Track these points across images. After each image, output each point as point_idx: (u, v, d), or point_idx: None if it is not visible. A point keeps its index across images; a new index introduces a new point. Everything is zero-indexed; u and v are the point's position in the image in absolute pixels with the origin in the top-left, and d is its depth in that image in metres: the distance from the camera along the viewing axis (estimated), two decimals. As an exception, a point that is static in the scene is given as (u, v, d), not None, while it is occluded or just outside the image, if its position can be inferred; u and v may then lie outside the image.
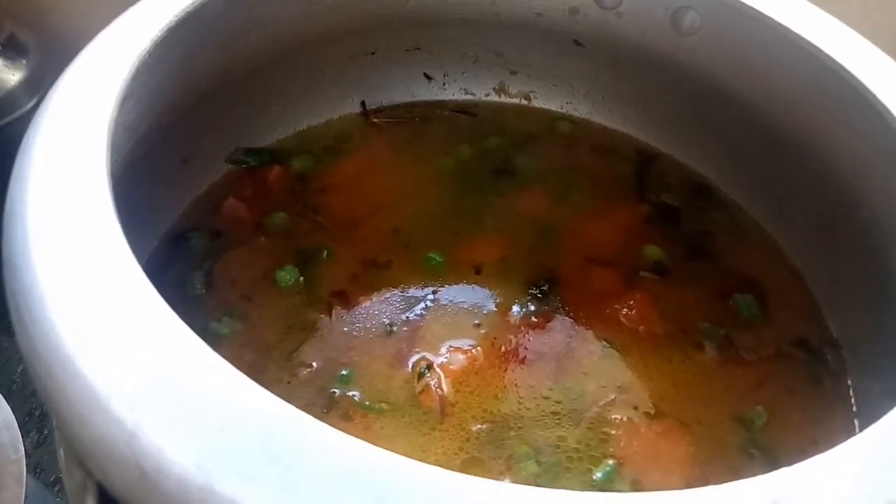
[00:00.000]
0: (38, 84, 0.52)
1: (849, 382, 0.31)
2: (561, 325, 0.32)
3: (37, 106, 0.53)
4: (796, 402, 0.30)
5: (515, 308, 0.33)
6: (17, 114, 0.51)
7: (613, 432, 0.29)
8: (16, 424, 0.36)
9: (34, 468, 0.45)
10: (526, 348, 0.31)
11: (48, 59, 0.53)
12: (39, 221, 0.18)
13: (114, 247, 0.18)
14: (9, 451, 0.35)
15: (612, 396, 0.30)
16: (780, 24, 0.30)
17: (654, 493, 0.14)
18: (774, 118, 0.34)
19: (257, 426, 0.14)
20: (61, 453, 0.18)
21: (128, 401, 0.14)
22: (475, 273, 0.34)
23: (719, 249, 0.36)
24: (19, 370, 0.50)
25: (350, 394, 0.29)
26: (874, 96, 0.27)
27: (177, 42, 0.26)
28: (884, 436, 0.16)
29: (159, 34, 0.25)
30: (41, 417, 0.48)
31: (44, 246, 0.17)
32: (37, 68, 0.52)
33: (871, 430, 0.16)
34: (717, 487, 0.14)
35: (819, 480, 0.15)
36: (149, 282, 0.17)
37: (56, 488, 0.46)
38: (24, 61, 0.52)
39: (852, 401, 0.31)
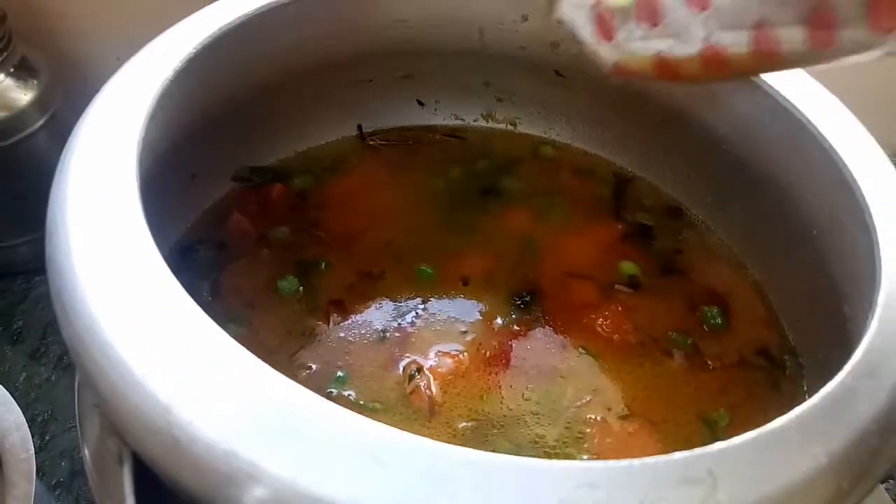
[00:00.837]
0: (48, 103, 0.54)
1: (805, 387, 0.34)
2: (541, 333, 0.35)
3: (47, 124, 0.56)
4: (757, 405, 0.33)
5: (499, 317, 0.35)
6: (27, 132, 0.53)
7: (588, 430, 0.31)
8: (26, 425, 0.38)
9: (36, 472, 0.46)
10: (509, 354, 0.33)
11: (57, 79, 0.55)
12: (78, 229, 0.20)
13: (144, 251, 0.20)
14: (19, 451, 0.37)
15: (588, 398, 0.32)
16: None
17: (603, 461, 0.17)
18: (737, 148, 0.37)
19: (273, 402, 0.17)
20: (90, 432, 0.20)
21: (162, 380, 0.17)
22: (463, 284, 0.36)
23: (688, 265, 0.39)
24: (22, 378, 0.52)
25: (346, 394, 0.31)
26: (819, 132, 0.30)
27: (195, 70, 0.29)
28: (809, 415, 0.19)
29: (180, 63, 0.27)
30: (43, 423, 0.50)
31: (83, 250, 0.20)
32: (47, 88, 0.54)
33: (799, 409, 0.19)
34: (657, 458, 0.17)
35: (748, 452, 0.17)
36: (175, 280, 0.19)
37: (57, 492, 0.47)
38: (34, 82, 0.54)
39: (807, 403, 0.33)
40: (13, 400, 0.39)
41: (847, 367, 0.20)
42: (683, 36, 0.23)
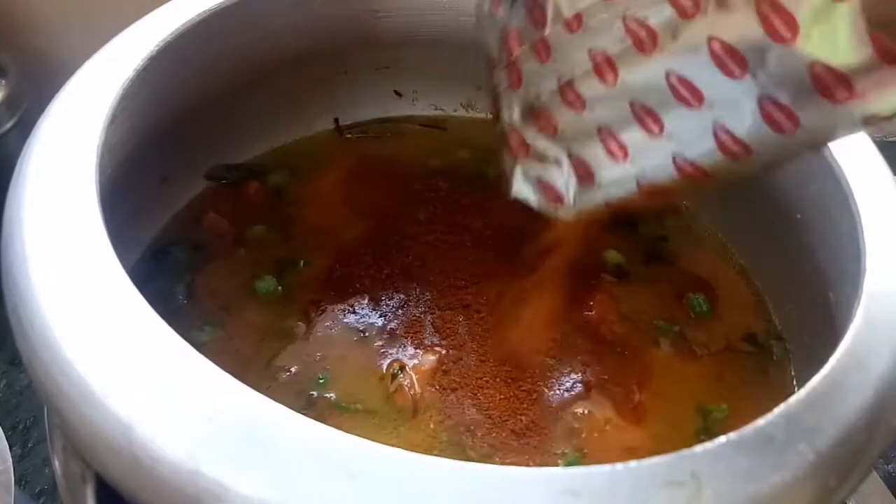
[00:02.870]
0: (18, 104, 0.53)
1: (792, 372, 0.34)
2: (526, 325, 0.34)
3: (17, 125, 0.54)
4: (746, 391, 0.33)
5: (483, 311, 0.34)
6: (-3, 133, 0.52)
7: (576, 425, 0.31)
8: (2, 436, 0.37)
9: (19, 480, 0.45)
10: (493, 348, 0.33)
11: (27, 80, 0.54)
12: (35, 239, 0.20)
13: (104, 262, 0.19)
14: (-3, 462, 0.36)
15: (576, 391, 0.32)
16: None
17: (585, 467, 0.16)
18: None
19: (240, 417, 0.16)
20: (58, 449, 0.19)
21: (122, 398, 0.16)
22: (446, 279, 0.36)
23: (674, 253, 0.38)
24: (2, 385, 0.51)
25: (327, 395, 0.31)
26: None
27: (157, 69, 0.28)
28: (795, 411, 0.18)
29: (141, 62, 0.26)
30: (24, 431, 0.49)
31: (40, 262, 0.19)
32: (16, 88, 0.53)
33: (784, 406, 0.18)
34: (640, 462, 0.16)
35: (732, 452, 0.17)
36: (137, 291, 0.19)
37: (41, 500, 0.46)
38: (3, 82, 0.53)
39: (795, 388, 0.33)
40: (-10, 411, 0.38)
41: (833, 359, 0.20)
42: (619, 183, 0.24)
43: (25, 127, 0.53)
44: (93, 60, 0.27)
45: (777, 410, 0.18)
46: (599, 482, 0.16)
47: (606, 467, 0.16)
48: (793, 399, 0.19)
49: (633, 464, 0.16)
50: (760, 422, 0.18)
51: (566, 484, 0.16)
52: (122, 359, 0.17)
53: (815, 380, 0.19)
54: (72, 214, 0.20)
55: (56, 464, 0.22)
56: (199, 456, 0.15)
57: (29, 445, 0.48)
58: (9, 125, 0.53)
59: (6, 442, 0.37)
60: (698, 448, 0.17)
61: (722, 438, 0.17)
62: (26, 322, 0.18)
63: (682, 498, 0.16)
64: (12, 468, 0.36)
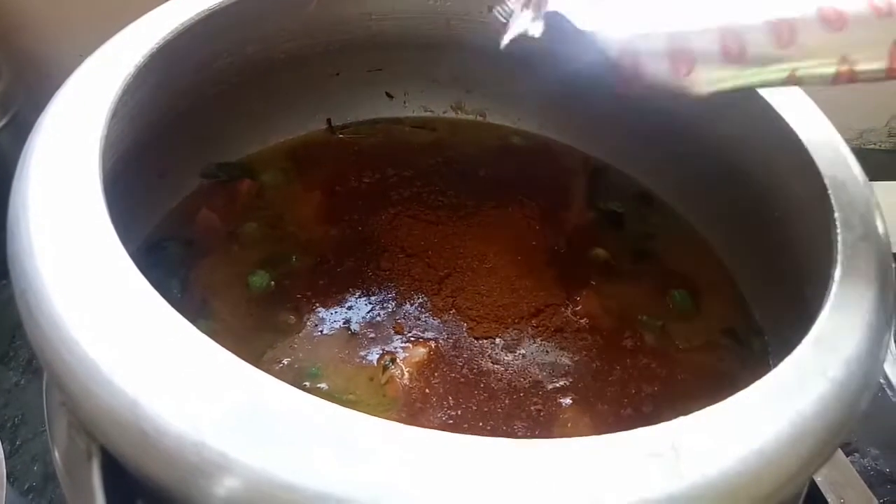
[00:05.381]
0: (10, 103, 0.53)
1: (771, 365, 0.35)
2: (514, 320, 0.35)
3: (8, 125, 0.55)
4: (724, 383, 0.34)
5: (473, 306, 0.35)
6: (-11, 131, 0.53)
7: (562, 415, 0.32)
8: (-5, 429, 0.37)
9: (7, 477, 0.45)
10: (484, 341, 0.34)
11: (19, 79, 0.54)
12: (41, 227, 0.20)
13: (108, 247, 0.20)
14: (-11, 457, 0.36)
15: (561, 383, 0.33)
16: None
17: (571, 438, 0.17)
18: (704, 136, 0.37)
19: (242, 392, 0.17)
20: (60, 430, 0.20)
21: (129, 375, 0.17)
22: (436, 272, 0.36)
23: (658, 250, 0.39)
24: (-9, 383, 0.51)
25: (320, 386, 0.31)
26: (781, 118, 0.31)
27: (156, 67, 0.28)
28: (769, 387, 0.19)
29: (142, 59, 0.27)
30: (12, 429, 0.49)
31: (46, 249, 0.20)
32: (8, 88, 0.53)
33: (759, 383, 0.19)
34: (621, 434, 0.17)
35: (709, 425, 0.18)
36: (140, 275, 0.19)
37: (30, 496, 0.46)
38: (-5, 81, 0.53)
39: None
40: (-19, 405, 0.38)
41: (806, 341, 0.21)
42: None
43: (18, 126, 0.54)
44: (94, 57, 0.27)
45: (753, 386, 0.19)
46: (585, 452, 0.17)
47: (590, 439, 0.17)
48: (767, 377, 0.20)
49: (615, 436, 0.17)
50: (737, 396, 0.19)
51: (555, 453, 0.17)
52: (128, 338, 0.18)
53: (789, 360, 0.20)
54: (76, 203, 0.21)
55: (55, 450, 0.22)
56: (203, 428, 0.16)
57: (17, 443, 0.48)
58: (1, 123, 0.54)
59: (8, 433, 0.37)
60: (677, 421, 0.18)
61: (700, 412, 0.18)
62: (34, 305, 0.18)
63: (662, 467, 0.17)
64: (4, 462, 0.36)
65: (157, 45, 0.28)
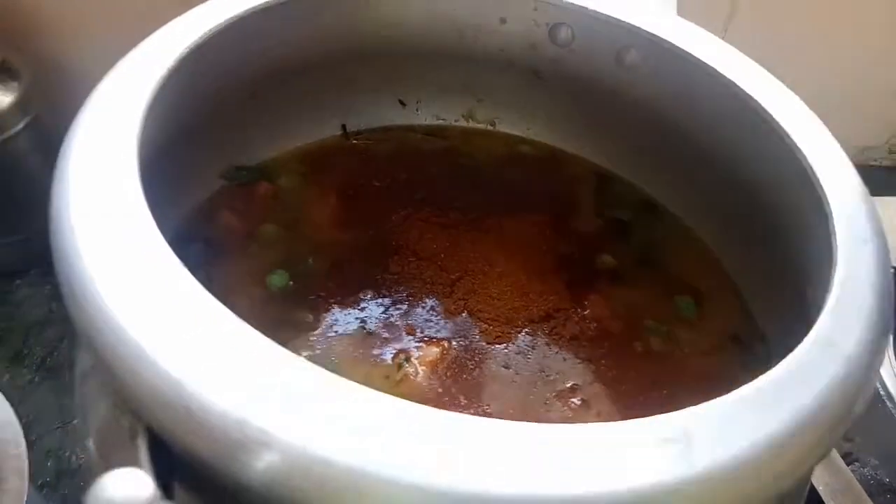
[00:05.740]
0: (29, 106, 0.54)
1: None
2: (524, 324, 0.36)
3: (27, 127, 0.56)
4: (728, 387, 0.35)
5: (484, 308, 0.36)
6: (7, 134, 0.54)
7: (570, 414, 0.33)
8: (17, 421, 0.38)
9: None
10: (495, 341, 0.35)
11: (39, 82, 0.56)
12: (83, 223, 0.21)
13: (149, 238, 0.21)
14: (10, 447, 0.37)
15: (570, 384, 0.34)
16: (703, 63, 0.35)
17: (585, 424, 0.18)
18: (708, 147, 0.39)
19: (280, 372, 0.18)
20: (98, 413, 0.21)
21: (173, 357, 0.18)
22: (448, 275, 0.37)
23: (663, 257, 0.40)
24: (4, 380, 0.52)
25: (337, 382, 0.32)
26: (784, 131, 0.32)
27: (186, 71, 0.30)
28: (778, 379, 0.20)
29: (174, 62, 0.28)
30: (27, 426, 0.49)
31: (89, 240, 0.21)
32: (27, 91, 0.55)
33: (768, 375, 0.20)
34: (635, 420, 0.18)
35: (721, 413, 0.19)
36: (181, 264, 0.20)
37: (43, 492, 0.47)
38: (15, 84, 0.55)
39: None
40: (3, 397, 0.39)
41: (808, 339, 0.22)
42: None
43: (35, 129, 0.55)
44: (126, 61, 0.28)
45: (760, 379, 0.20)
46: (600, 437, 0.18)
47: (605, 424, 0.18)
48: (774, 369, 0.21)
49: (629, 422, 0.18)
50: (745, 388, 0.20)
51: (571, 437, 0.18)
52: (171, 323, 0.19)
53: (794, 355, 0.21)
54: (116, 196, 0.22)
55: (91, 434, 0.23)
56: (245, 406, 0.17)
57: (32, 439, 0.49)
58: (19, 127, 0.55)
59: (20, 428, 0.38)
60: (689, 409, 0.19)
61: (710, 402, 0.19)
62: (79, 292, 0.20)
63: (674, 452, 0.18)
64: (26, 453, 0.37)
65: (187, 50, 0.29)
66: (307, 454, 0.17)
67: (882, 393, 0.51)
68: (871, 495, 0.44)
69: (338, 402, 0.17)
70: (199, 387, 0.17)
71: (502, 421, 0.18)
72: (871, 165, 0.75)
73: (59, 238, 0.21)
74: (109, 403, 0.19)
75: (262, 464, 0.17)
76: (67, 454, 0.48)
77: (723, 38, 0.37)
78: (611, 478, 0.18)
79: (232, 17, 0.33)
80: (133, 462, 0.17)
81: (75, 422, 0.49)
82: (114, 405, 0.19)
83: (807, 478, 0.28)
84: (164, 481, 0.17)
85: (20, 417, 0.50)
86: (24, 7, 0.57)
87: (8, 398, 0.51)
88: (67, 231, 0.21)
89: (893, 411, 0.51)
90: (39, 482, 0.47)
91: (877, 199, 0.32)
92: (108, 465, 0.20)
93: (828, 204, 0.28)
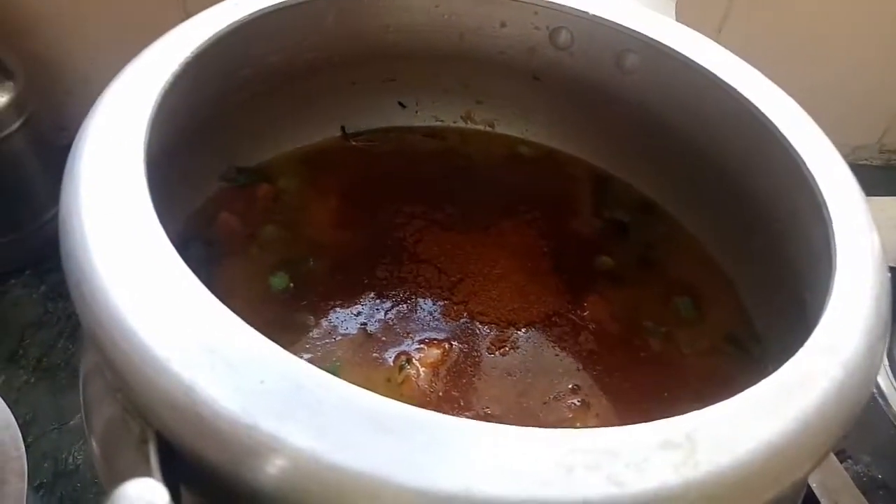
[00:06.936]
0: (24, 105, 0.54)
1: (769, 370, 0.36)
2: (523, 324, 0.36)
3: (23, 127, 0.56)
4: (725, 387, 0.35)
5: (484, 309, 0.36)
6: (3, 134, 0.53)
7: (570, 415, 0.33)
8: (15, 424, 0.38)
9: (19, 473, 0.46)
10: (495, 343, 0.35)
11: (33, 81, 0.55)
12: (92, 226, 0.21)
13: (156, 243, 0.21)
14: (10, 449, 0.37)
15: (570, 385, 0.34)
16: (701, 66, 0.36)
17: (590, 429, 0.18)
18: (706, 148, 0.39)
19: (289, 378, 0.18)
20: (103, 416, 0.21)
21: (184, 362, 0.18)
22: (448, 277, 0.38)
23: (661, 259, 0.41)
24: (0, 380, 0.52)
25: (338, 384, 0.32)
26: (777, 129, 0.33)
27: (189, 75, 0.30)
28: (776, 386, 0.21)
29: (178, 69, 0.28)
30: (24, 426, 0.49)
31: (99, 244, 0.21)
32: (23, 90, 0.54)
33: (767, 381, 0.21)
34: (639, 425, 0.18)
35: (723, 418, 0.19)
36: (189, 269, 0.20)
37: (40, 493, 0.47)
38: (10, 84, 0.54)
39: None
40: (1, 400, 0.39)
41: (808, 344, 0.23)
42: None
43: (31, 128, 0.55)
44: (131, 67, 0.29)
45: (761, 384, 0.20)
46: (603, 441, 0.18)
47: (609, 429, 0.18)
48: (774, 375, 0.21)
49: (633, 427, 0.18)
50: (746, 393, 0.20)
51: (575, 442, 0.18)
52: (181, 328, 0.19)
53: (793, 361, 0.22)
54: (124, 201, 0.22)
55: (93, 437, 0.23)
56: (255, 412, 0.17)
57: (28, 440, 0.49)
58: (14, 126, 0.54)
59: (18, 430, 0.38)
60: (692, 414, 0.19)
61: (714, 407, 0.19)
62: (89, 297, 0.20)
63: (678, 457, 0.18)
64: (25, 455, 0.37)
65: (192, 55, 0.29)
66: (317, 459, 0.17)
67: (874, 390, 0.51)
68: (864, 492, 0.45)
69: (347, 408, 0.18)
70: (210, 392, 0.17)
71: (508, 426, 0.18)
72: (863, 164, 0.76)
73: (69, 241, 0.21)
74: (116, 406, 0.20)
75: (273, 469, 0.17)
76: (64, 455, 0.48)
77: (717, 39, 0.37)
78: (618, 479, 0.18)
79: (233, 23, 0.33)
80: (141, 466, 0.17)
81: (73, 422, 0.49)
82: (122, 409, 0.19)
83: (805, 479, 0.28)
84: (170, 485, 0.17)
85: (16, 418, 0.50)
86: (18, 6, 0.57)
87: (4, 399, 0.51)
88: (78, 236, 0.21)
89: (885, 409, 0.52)
90: (36, 483, 0.47)
91: (869, 199, 0.32)
92: (113, 468, 0.20)
93: (827, 210, 0.28)
